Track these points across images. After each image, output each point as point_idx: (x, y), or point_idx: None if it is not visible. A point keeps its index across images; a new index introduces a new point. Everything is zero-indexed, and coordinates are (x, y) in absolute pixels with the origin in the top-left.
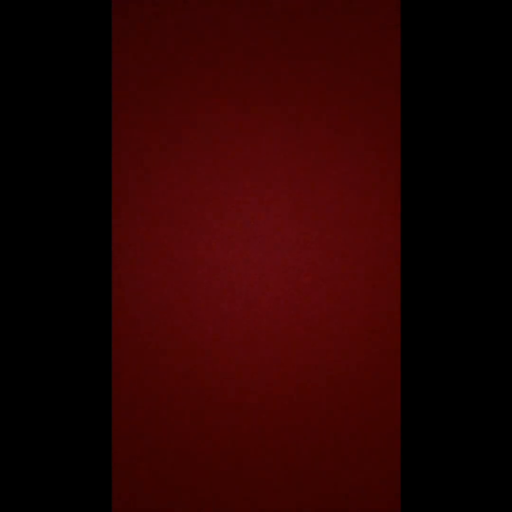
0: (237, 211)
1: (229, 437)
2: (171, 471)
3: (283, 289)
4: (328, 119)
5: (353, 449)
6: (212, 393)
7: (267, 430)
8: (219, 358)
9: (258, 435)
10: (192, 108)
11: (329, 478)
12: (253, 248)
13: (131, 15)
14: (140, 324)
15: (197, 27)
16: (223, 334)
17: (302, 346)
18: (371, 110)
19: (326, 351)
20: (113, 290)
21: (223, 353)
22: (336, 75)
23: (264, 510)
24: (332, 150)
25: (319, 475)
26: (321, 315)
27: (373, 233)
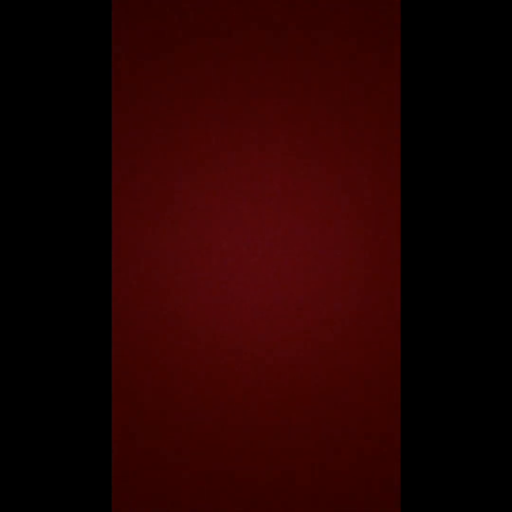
0: (238, 211)
1: (228, 437)
2: (171, 471)
3: (283, 289)
4: (328, 119)
5: (353, 449)
6: (212, 394)
7: (267, 430)
8: (219, 359)
9: (258, 435)
10: (192, 108)
11: (329, 478)
12: (252, 248)
13: (131, 13)
14: (140, 323)
15: (197, 26)
16: (222, 334)
17: (302, 345)
18: (371, 110)
19: (325, 351)
20: (113, 290)
21: (223, 354)
22: (336, 74)
23: (263, 510)
24: (332, 150)
25: (319, 475)
26: (320, 315)
27: (373, 232)
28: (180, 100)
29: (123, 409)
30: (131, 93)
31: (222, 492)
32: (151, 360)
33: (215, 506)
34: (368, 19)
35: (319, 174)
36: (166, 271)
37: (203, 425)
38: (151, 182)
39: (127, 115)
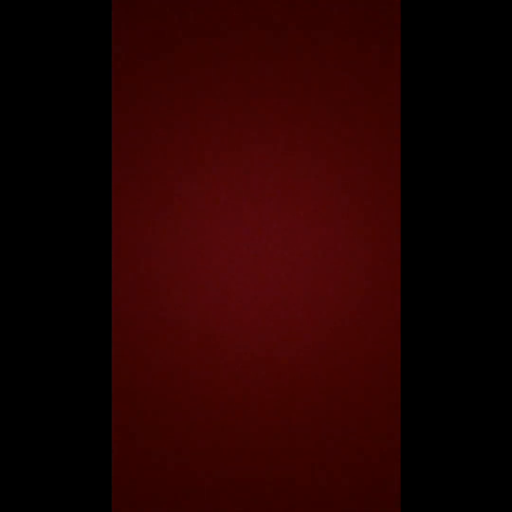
0: (238, 210)
1: (228, 437)
2: (171, 471)
3: (282, 289)
4: (328, 119)
5: (353, 449)
6: (212, 394)
7: (267, 430)
8: (219, 358)
9: (258, 435)
10: (192, 108)
11: (329, 478)
12: (252, 248)
13: (131, 13)
14: (140, 323)
15: (197, 26)
16: (222, 334)
17: (302, 345)
18: (371, 110)
19: (326, 351)
20: (113, 291)
21: (223, 353)
22: (336, 74)
23: (263, 510)
24: (332, 150)
25: (319, 475)
26: (321, 315)
27: (373, 232)
28: (180, 100)
29: (123, 409)
30: (131, 93)
31: (222, 492)
32: (151, 360)
33: (215, 506)
34: (368, 19)
35: (319, 174)
36: (166, 271)
37: (203, 425)
38: (151, 182)
39: (127, 115)
